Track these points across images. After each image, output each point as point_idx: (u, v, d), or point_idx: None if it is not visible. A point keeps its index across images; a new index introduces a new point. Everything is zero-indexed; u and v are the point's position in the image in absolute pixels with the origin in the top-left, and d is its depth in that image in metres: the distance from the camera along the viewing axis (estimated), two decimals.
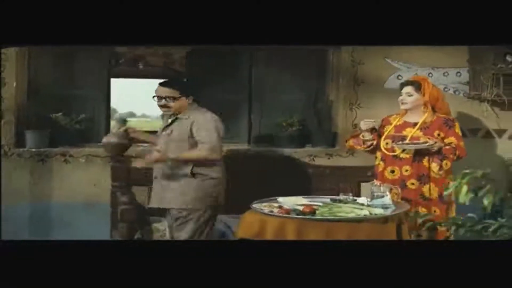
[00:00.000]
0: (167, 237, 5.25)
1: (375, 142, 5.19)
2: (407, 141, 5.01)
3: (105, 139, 5.19)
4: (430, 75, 6.35)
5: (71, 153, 5.96)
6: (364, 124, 5.16)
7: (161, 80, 5.08)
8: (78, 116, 6.06)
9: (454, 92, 6.42)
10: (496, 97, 6.08)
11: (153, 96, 5.01)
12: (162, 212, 5.21)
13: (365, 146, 5.23)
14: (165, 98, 4.97)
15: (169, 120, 5.06)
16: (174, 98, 4.97)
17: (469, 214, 2.29)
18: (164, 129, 5.06)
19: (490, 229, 2.03)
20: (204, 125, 4.93)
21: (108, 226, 5.72)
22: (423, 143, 4.93)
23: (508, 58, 6.03)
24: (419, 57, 6.33)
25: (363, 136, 5.19)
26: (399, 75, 6.25)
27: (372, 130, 5.18)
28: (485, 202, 2.01)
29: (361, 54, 6.28)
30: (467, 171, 2.09)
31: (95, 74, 6.26)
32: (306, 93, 6.49)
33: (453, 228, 2.23)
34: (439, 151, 4.98)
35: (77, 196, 5.87)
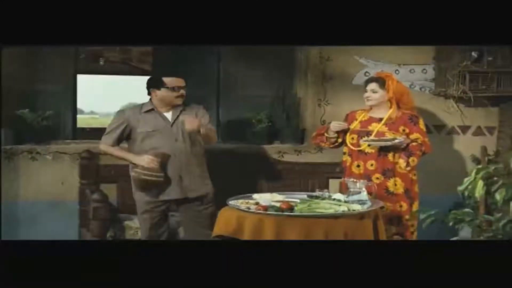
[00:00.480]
0: (139, 235, 5.22)
1: (340, 140, 5.25)
2: (372, 137, 5.06)
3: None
4: (397, 72, 6.41)
5: (38, 150, 5.84)
6: (334, 126, 5.20)
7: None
8: (45, 112, 5.92)
9: (420, 89, 6.50)
10: (462, 93, 6.16)
11: (175, 87, 5.00)
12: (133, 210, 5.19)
13: (328, 143, 5.30)
14: (183, 88, 5.02)
15: (173, 112, 5.05)
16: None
17: (466, 209, 2.31)
18: (174, 121, 5.01)
19: (500, 224, 2.05)
20: (206, 112, 5.17)
21: (76, 224, 5.65)
22: (392, 139, 4.99)
23: (474, 54, 6.12)
24: (386, 54, 6.38)
25: (327, 133, 5.24)
26: (367, 72, 6.30)
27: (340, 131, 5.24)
28: (498, 197, 2.03)
29: (329, 51, 6.30)
30: (479, 166, 2.11)
31: (61, 70, 6.14)
32: (274, 90, 6.47)
33: (452, 222, 2.25)
34: (405, 148, 5.06)
35: (44, 194, 5.75)
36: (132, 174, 4.93)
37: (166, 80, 4.98)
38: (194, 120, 4.86)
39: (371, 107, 5.26)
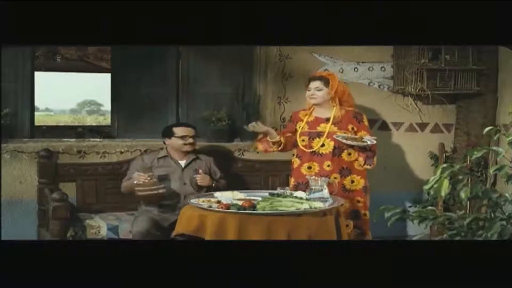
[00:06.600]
0: (101, 234, 5.19)
1: (283, 140, 5.22)
2: (348, 135, 5.05)
3: None
4: (356, 69, 6.47)
5: None
6: (250, 127, 5.20)
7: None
8: (2, 110, 5.81)
9: (379, 86, 6.56)
10: (420, 91, 6.24)
11: (184, 136, 5.54)
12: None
13: (275, 147, 5.27)
14: (191, 137, 5.66)
15: (187, 159, 5.61)
16: None
17: (429, 207, 2.34)
18: (186, 167, 5.58)
19: (465, 222, 2.08)
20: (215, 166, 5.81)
21: (35, 224, 5.58)
22: (366, 140, 5.02)
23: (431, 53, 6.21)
24: (345, 52, 6.43)
25: (270, 138, 5.22)
26: (326, 69, 6.32)
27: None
28: (462, 195, 2.06)
29: (288, 49, 6.31)
30: (444, 165, 2.14)
31: (18, 68, 6.02)
32: (234, 87, 6.45)
33: (418, 220, 2.28)
34: (364, 147, 5.08)
35: (2, 193, 5.62)
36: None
37: (176, 129, 5.53)
38: (206, 177, 5.40)
39: (313, 107, 5.27)
